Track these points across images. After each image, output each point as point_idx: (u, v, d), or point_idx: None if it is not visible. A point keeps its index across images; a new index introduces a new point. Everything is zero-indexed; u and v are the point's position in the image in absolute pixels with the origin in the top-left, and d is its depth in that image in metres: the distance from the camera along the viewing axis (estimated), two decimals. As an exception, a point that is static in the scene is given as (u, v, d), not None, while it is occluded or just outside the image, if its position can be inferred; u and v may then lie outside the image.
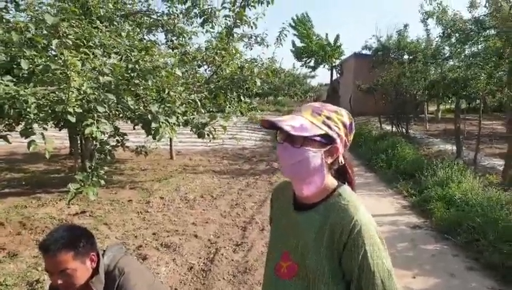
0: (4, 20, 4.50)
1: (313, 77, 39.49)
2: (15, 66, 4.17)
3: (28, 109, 3.47)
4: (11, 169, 8.87)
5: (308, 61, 36.09)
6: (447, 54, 13.53)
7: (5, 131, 4.54)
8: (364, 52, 23.01)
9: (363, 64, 22.43)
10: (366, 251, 1.15)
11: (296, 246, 1.27)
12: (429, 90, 14.20)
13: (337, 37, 34.13)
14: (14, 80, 3.82)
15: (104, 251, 1.99)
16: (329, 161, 1.26)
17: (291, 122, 1.18)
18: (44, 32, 4.31)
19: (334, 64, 35.03)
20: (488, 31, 9.69)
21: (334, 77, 35.93)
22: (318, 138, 1.20)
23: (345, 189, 1.29)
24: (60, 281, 1.70)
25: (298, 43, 35.22)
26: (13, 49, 4.13)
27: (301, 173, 1.24)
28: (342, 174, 1.35)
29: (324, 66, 36.17)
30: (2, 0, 4.65)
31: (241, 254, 4.59)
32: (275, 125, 1.21)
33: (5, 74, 3.89)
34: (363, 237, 1.15)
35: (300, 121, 1.20)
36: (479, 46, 10.68)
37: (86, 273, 1.79)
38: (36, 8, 5.08)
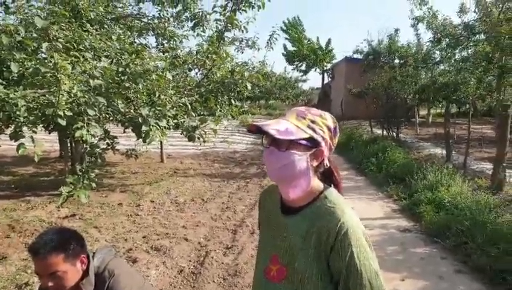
0: None
1: (304, 80, 39.59)
2: (5, 69, 4.16)
3: (18, 112, 3.47)
4: (0, 172, 8.80)
5: (299, 65, 36.22)
6: (438, 59, 13.66)
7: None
8: (355, 56, 23.13)
9: (354, 68, 22.58)
10: (353, 252, 1.16)
11: (285, 250, 1.29)
12: (420, 94, 14.30)
13: (329, 41, 34.34)
14: (4, 82, 3.81)
15: (94, 253, 1.99)
16: (315, 164, 1.28)
17: (276, 126, 1.20)
18: (34, 35, 4.30)
19: (325, 68, 35.20)
20: (477, 36, 9.80)
21: (326, 81, 36.09)
22: (303, 142, 1.22)
23: (331, 192, 1.31)
24: (50, 284, 1.70)
25: (290, 47, 35.37)
26: (3, 52, 4.12)
27: (287, 176, 1.25)
28: (328, 177, 1.37)
29: (315, 70, 36.37)
30: None
31: (231, 257, 4.59)
32: (261, 130, 1.22)
33: None
34: (350, 239, 1.17)
35: (285, 125, 1.21)
36: (469, 51, 10.79)
37: (76, 275, 1.79)
38: (26, 11, 5.06)
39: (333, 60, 34.04)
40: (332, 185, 1.36)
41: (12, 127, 3.73)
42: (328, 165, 1.32)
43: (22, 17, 4.84)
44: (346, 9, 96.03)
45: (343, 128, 16.49)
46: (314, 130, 1.24)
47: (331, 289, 1.22)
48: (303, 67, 36.41)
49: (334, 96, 30.51)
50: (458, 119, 17.61)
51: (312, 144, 1.24)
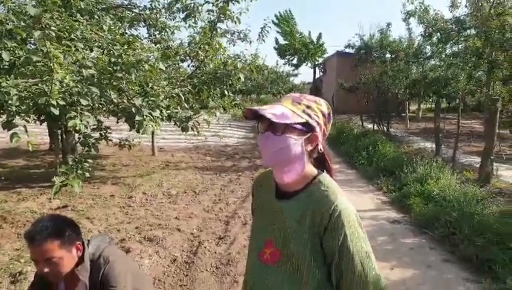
0: None
1: (296, 75, 39.63)
2: (-4, 58, 4.11)
3: (10, 101, 3.45)
4: (-11, 164, 8.75)
5: (291, 58, 36.11)
6: (428, 54, 13.77)
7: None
8: (347, 50, 23.16)
9: (346, 62, 22.61)
10: (346, 234, 1.19)
11: (279, 234, 1.31)
12: (410, 89, 14.40)
13: (320, 35, 34.23)
14: (-5, 71, 3.78)
15: (89, 240, 2.01)
16: (309, 148, 1.30)
17: (272, 111, 1.22)
18: (23, 24, 4.26)
19: (317, 62, 35.18)
20: (468, 31, 9.89)
21: (317, 75, 36.10)
22: (298, 126, 1.24)
23: (325, 177, 1.34)
24: (46, 270, 1.72)
25: (281, 41, 35.25)
26: (-7, 41, 4.08)
27: (282, 160, 1.27)
28: (321, 163, 1.40)
29: (307, 64, 36.27)
30: None
31: (223, 246, 4.63)
32: (257, 114, 1.24)
33: None
34: (343, 221, 1.20)
35: (281, 110, 1.23)
36: (460, 46, 10.90)
37: (71, 261, 1.82)
38: (13, 0, 5.01)
39: (325, 55, 34.02)
40: (325, 171, 1.39)
41: (5, 117, 3.71)
42: (322, 150, 1.35)
43: (10, 5, 4.78)
44: (345, 10, 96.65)
45: (334, 123, 16.53)
46: (309, 115, 1.27)
47: (324, 270, 1.24)
48: (294, 61, 36.31)
49: (325, 91, 30.57)
50: (448, 114, 17.80)
51: (307, 128, 1.27)
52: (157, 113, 4.43)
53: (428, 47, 13.82)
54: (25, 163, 9.13)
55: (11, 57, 4.00)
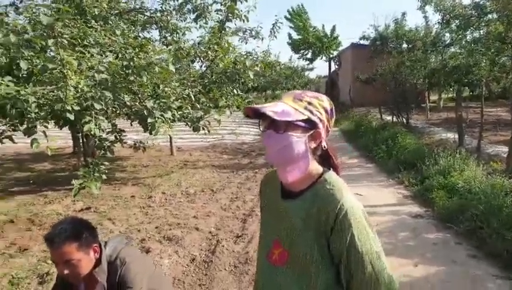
0: (4, 24, 4.55)
1: (311, 69, 39.02)
2: (14, 67, 4.23)
3: (29, 108, 3.54)
4: (19, 168, 9.11)
5: (305, 53, 35.66)
6: (448, 41, 13.44)
7: (10, 131, 4.66)
8: (362, 42, 22.79)
9: (361, 54, 22.24)
10: (354, 234, 1.16)
11: (286, 234, 1.29)
12: (429, 78, 14.10)
13: (334, 28, 33.63)
14: (14, 80, 3.88)
15: (106, 242, 2.05)
16: (313, 145, 1.28)
17: (273, 108, 1.20)
18: (40, 33, 4.37)
19: (331, 55, 34.71)
20: (489, 16, 9.58)
21: (332, 68, 35.65)
22: (301, 123, 1.22)
23: (331, 175, 1.31)
24: (66, 271, 1.78)
25: (295, 36, 34.86)
26: (12, 50, 4.18)
27: (286, 158, 1.25)
28: (326, 160, 1.36)
29: (322, 58, 35.67)
30: (1, 4, 4.73)
31: (241, 245, 4.64)
32: (258, 112, 1.23)
33: (5, 74, 3.96)
34: (350, 220, 1.17)
35: (282, 107, 1.21)
36: (481, 32, 10.57)
37: (89, 263, 1.86)
38: (33, 11, 5.14)
39: (339, 47, 33.52)
40: (331, 169, 1.36)
41: (25, 124, 3.82)
42: (326, 146, 1.32)
43: (29, 16, 4.91)
44: (340, 7, 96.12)
45: (352, 116, 16.33)
46: (311, 112, 1.24)
47: (333, 271, 1.23)
48: (309, 55, 35.85)
49: (341, 84, 30.25)
50: (471, 103, 17.32)
51: (310, 125, 1.24)
52: (169, 114, 4.47)
53: (448, 34, 13.46)
54: (51, 167, 9.43)
55: (29, 66, 4.10)
